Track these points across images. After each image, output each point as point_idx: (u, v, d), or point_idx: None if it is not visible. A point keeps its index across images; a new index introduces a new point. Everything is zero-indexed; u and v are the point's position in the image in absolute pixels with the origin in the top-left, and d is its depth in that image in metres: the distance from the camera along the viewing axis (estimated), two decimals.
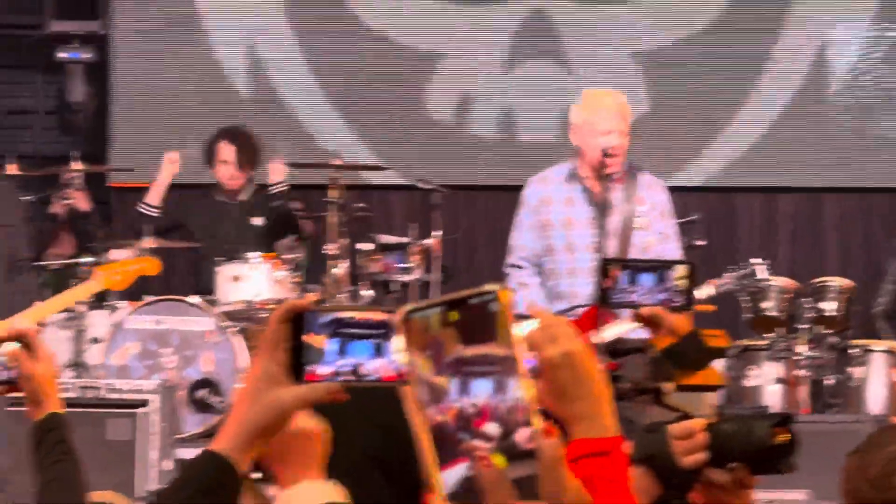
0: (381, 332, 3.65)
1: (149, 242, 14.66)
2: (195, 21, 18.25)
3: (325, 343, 3.61)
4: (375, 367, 3.66)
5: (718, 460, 4.60)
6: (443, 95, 19.51)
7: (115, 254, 13.75)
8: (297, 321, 3.54)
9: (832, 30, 20.45)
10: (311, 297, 11.85)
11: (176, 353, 13.96)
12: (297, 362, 3.48)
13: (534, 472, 2.60)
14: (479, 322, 2.52)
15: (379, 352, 3.67)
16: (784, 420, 4.66)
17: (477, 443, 2.62)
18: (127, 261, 13.35)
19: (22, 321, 11.11)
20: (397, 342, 3.53)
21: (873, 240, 17.57)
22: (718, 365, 10.81)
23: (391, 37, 19.79)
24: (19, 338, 6.44)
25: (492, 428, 2.56)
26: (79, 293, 13.17)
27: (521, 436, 2.62)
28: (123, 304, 14.19)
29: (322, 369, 3.53)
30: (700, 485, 4.62)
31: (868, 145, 19.46)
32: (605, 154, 12.03)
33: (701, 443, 4.58)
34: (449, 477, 2.75)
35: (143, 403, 13.04)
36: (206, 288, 14.40)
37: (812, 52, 19.93)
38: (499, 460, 2.55)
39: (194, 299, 14.08)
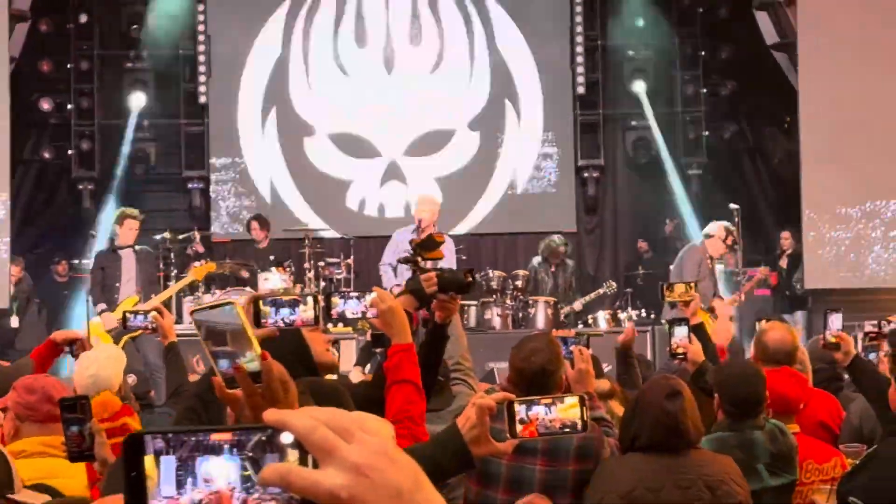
0: (295, 304, 3.46)
1: (232, 263, 14.74)
2: (245, 170, 17.69)
3: (269, 312, 3.35)
4: (292, 319, 3.46)
5: (443, 289, 4.55)
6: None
7: (196, 266, 13.79)
8: (257, 303, 3.35)
9: None
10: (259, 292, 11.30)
11: None
12: (257, 319, 3.30)
13: (259, 370, 2.41)
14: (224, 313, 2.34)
15: (295, 311, 3.48)
16: (470, 271, 4.63)
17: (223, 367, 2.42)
18: (202, 266, 13.52)
19: (156, 301, 11.90)
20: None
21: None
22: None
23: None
24: (157, 310, 6.59)
25: (224, 363, 2.40)
26: (183, 283, 13.34)
27: (244, 364, 2.40)
28: (218, 292, 14.21)
29: (269, 321, 3.34)
30: (436, 301, 4.58)
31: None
32: (418, 220, 12.10)
33: (434, 281, 4.53)
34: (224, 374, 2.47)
35: None
36: (253, 284, 14.35)
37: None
38: (244, 367, 2.38)
39: (249, 289, 14.11)
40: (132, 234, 12.84)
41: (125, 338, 11.94)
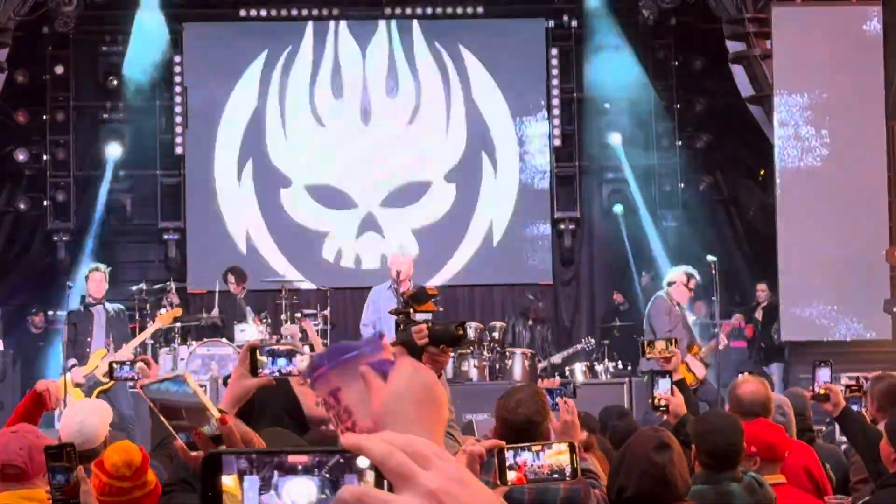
0: (291, 354, 3.51)
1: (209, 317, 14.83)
2: (222, 221, 17.70)
3: (266, 362, 3.35)
4: (288, 370, 3.46)
5: (434, 342, 4.57)
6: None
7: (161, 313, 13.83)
8: (254, 352, 3.38)
9: None
10: (256, 342, 11.24)
11: (216, 364, 13.93)
12: (254, 368, 3.33)
13: (220, 434, 2.47)
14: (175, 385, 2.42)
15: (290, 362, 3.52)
16: (462, 324, 4.67)
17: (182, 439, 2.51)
18: (168, 312, 13.64)
19: (126, 349, 12.32)
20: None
21: (513, 305, 17.53)
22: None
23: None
24: (144, 360, 6.65)
25: (183, 435, 2.50)
26: (150, 331, 13.32)
27: (205, 428, 2.46)
28: (194, 343, 14.27)
29: (266, 371, 3.35)
30: (426, 354, 4.57)
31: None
32: (396, 273, 12.10)
33: (426, 333, 4.57)
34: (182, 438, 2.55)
35: (203, 386, 12.95)
36: (229, 335, 14.36)
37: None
38: (204, 431, 2.49)
39: (225, 340, 14.16)
40: (99, 286, 12.87)
41: (97, 391, 12.13)
